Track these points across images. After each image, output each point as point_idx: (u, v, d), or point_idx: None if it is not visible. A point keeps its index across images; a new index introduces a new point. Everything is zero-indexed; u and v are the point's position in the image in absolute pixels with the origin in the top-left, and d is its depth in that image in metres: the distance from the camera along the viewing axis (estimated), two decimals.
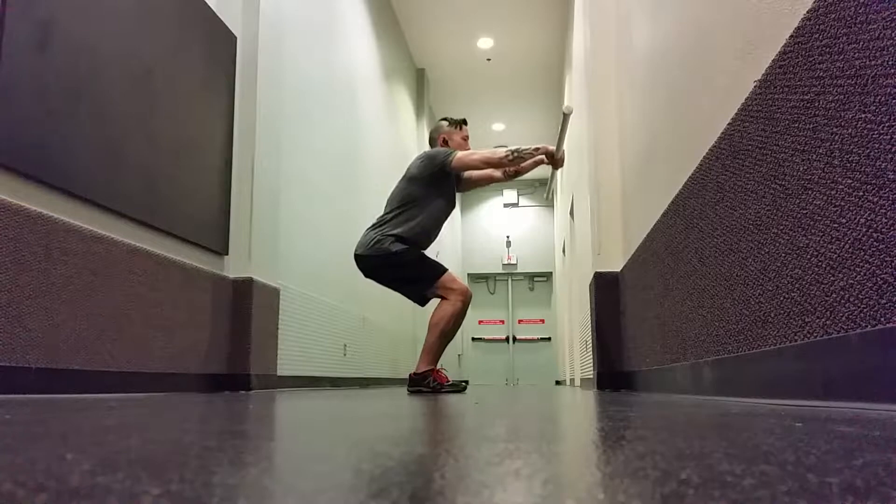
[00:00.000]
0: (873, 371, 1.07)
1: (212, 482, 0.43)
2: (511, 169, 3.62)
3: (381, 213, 3.55)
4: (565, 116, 3.63)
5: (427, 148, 3.79)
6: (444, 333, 3.33)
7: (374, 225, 3.50)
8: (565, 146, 3.64)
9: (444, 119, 3.77)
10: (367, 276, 3.53)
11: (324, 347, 5.02)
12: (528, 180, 13.52)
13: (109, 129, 2.63)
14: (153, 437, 0.80)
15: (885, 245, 1.04)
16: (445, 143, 3.66)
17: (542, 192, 13.51)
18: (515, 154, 3.41)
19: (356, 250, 3.48)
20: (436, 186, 3.47)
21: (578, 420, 1.25)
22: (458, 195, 3.74)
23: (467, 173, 3.68)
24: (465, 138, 3.71)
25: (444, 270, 3.42)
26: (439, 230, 3.60)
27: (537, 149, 3.46)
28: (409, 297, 3.58)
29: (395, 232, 3.38)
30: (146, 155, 2.87)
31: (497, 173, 3.69)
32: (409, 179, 3.52)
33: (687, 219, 2.26)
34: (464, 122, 3.76)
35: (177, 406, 1.68)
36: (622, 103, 3.89)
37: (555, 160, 3.54)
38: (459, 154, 3.46)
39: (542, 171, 12.95)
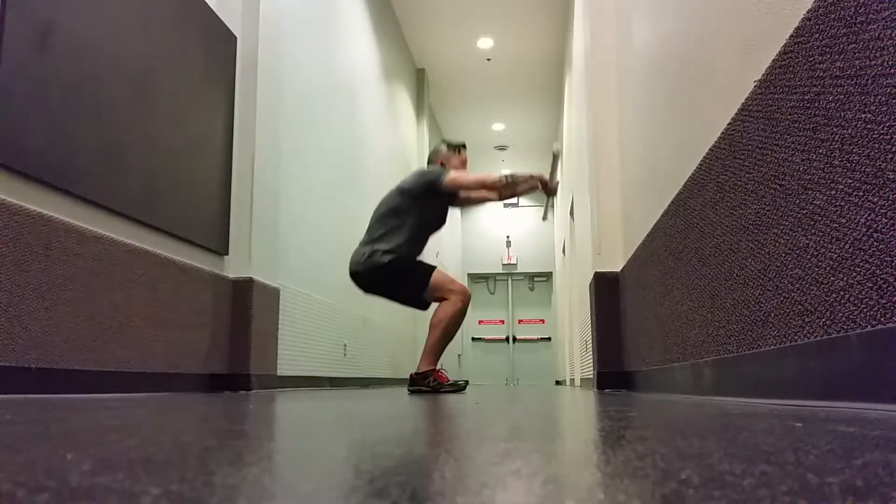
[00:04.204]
0: (873, 371, 1.07)
1: (212, 482, 0.43)
2: (505, 191, 3.62)
3: (369, 223, 3.55)
4: (555, 157, 3.66)
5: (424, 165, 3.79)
6: (445, 333, 3.35)
7: (364, 241, 3.50)
8: (559, 177, 3.68)
9: (444, 142, 3.78)
10: (366, 291, 3.54)
11: (324, 347, 5.02)
12: None
13: (109, 130, 2.63)
14: (153, 437, 0.80)
15: (885, 245, 1.04)
16: (443, 166, 3.64)
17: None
18: (510, 179, 3.45)
19: (350, 268, 3.48)
20: (425, 202, 3.47)
21: (578, 420, 1.25)
22: (450, 211, 3.75)
23: (465, 192, 3.67)
24: (464, 162, 3.71)
25: (432, 268, 3.44)
26: (425, 244, 3.60)
27: (532, 176, 3.50)
28: (411, 306, 3.58)
29: (382, 247, 3.39)
30: (146, 155, 2.87)
31: (491, 194, 3.68)
32: (400, 191, 3.52)
33: (687, 219, 2.26)
34: (463, 146, 3.77)
35: (177, 406, 1.68)
36: (622, 103, 3.89)
37: (549, 188, 3.57)
38: (453, 174, 3.48)
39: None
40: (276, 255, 4.02)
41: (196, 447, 0.67)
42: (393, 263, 3.36)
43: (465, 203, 3.80)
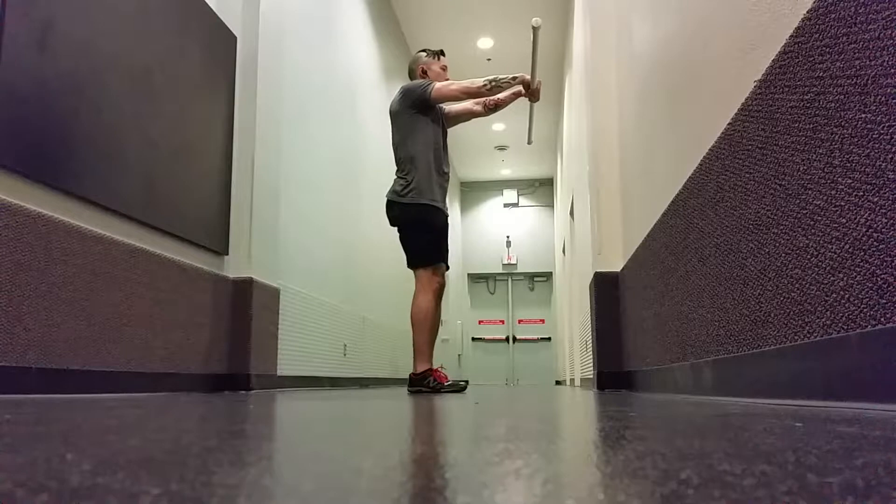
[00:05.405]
0: (873, 371, 1.07)
1: (212, 482, 0.43)
2: (490, 101, 3.65)
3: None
4: (535, 30, 3.50)
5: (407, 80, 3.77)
6: (428, 329, 3.37)
7: (398, 175, 3.51)
8: (540, 78, 3.64)
9: (423, 50, 3.78)
10: (391, 224, 3.55)
11: (324, 347, 5.02)
12: (529, 180, 13.53)
13: (109, 130, 2.63)
14: (153, 437, 0.80)
15: (885, 245, 1.04)
16: (424, 73, 3.65)
17: (543, 191, 13.50)
18: (493, 83, 3.44)
19: (388, 196, 3.50)
20: (421, 116, 3.47)
21: (578, 420, 1.25)
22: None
23: (447, 107, 3.68)
24: (444, 68, 3.71)
25: (434, 261, 3.43)
26: (446, 157, 3.61)
27: (514, 77, 3.49)
28: (405, 252, 3.54)
29: (403, 183, 3.42)
30: (146, 155, 2.87)
31: (477, 107, 3.71)
32: (394, 117, 3.54)
33: (687, 219, 2.26)
34: (441, 52, 3.77)
35: (177, 406, 1.68)
36: (622, 103, 3.89)
37: (531, 91, 3.56)
38: (438, 85, 3.47)
39: (542, 172, 12.97)
40: (276, 255, 4.02)
41: (196, 447, 0.67)
42: (431, 212, 3.41)
43: (452, 121, 3.77)
